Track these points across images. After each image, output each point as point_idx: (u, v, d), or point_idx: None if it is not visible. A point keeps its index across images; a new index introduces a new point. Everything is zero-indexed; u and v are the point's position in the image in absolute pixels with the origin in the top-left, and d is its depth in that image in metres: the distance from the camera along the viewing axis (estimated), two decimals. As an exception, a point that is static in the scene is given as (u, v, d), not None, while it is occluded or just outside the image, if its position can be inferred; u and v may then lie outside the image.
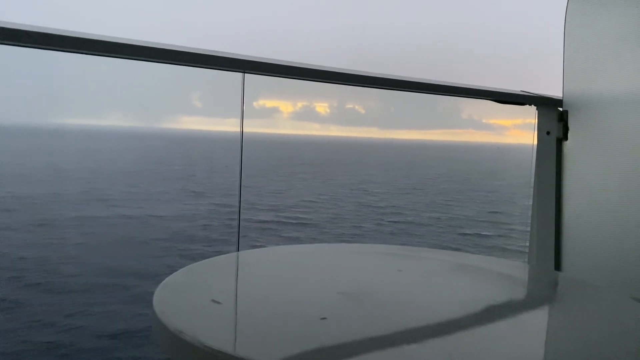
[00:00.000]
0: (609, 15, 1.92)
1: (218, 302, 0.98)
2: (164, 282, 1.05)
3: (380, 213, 28.44)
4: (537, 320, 1.07)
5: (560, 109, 2.07)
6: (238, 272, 1.28)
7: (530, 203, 2.13)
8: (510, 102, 2.06)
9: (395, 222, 26.10)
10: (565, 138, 2.05)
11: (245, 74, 1.42)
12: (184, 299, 1.01)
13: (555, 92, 2.14)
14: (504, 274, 1.29)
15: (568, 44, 2.05)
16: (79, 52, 1.15)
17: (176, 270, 1.11)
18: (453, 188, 41.74)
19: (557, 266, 2.05)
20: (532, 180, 2.10)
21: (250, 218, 23.65)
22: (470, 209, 31.11)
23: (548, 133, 2.07)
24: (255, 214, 25.11)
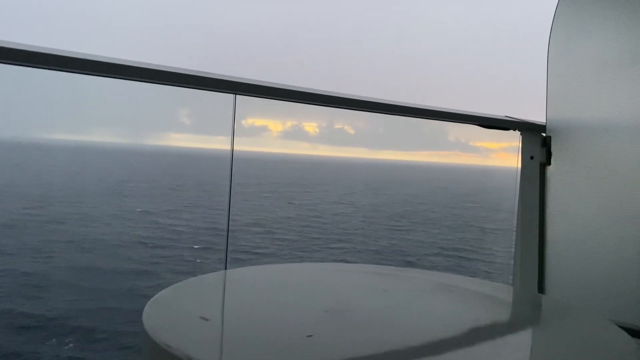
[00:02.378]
0: (590, 44, 2.00)
1: (206, 319, 1.00)
2: (153, 298, 1.06)
3: (327, 239, 28.02)
4: (519, 342, 1.10)
5: (544, 134, 2.13)
6: (226, 289, 1.29)
7: (515, 226, 2.18)
8: (494, 127, 2.12)
9: (342, 249, 25.66)
10: (549, 163, 2.11)
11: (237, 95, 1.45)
12: (172, 315, 1.03)
13: (540, 117, 2.20)
14: (488, 295, 1.32)
15: (551, 71, 2.13)
16: (70, 71, 1.17)
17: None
18: (420, 210, 41.78)
19: (541, 287, 2.09)
20: (517, 203, 2.15)
21: (180, 245, 23.00)
22: (428, 233, 30.94)
23: (532, 158, 2.13)
24: (191, 238, 24.70)
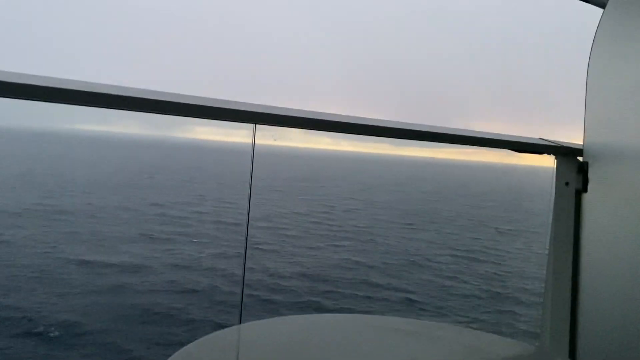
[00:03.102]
0: (634, 66, 1.87)
1: None
2: None
3: (333, 237, 27.54)
4: None
5: (580, 158, 2.01)
6: (240, 353, 1.21)
7: (546, 260, 2.06)
8: (528, 152, 2.01)
9: (347, 247, 25.16)
10: (585, 190, 1.98)
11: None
12: None
13: (576, 139, 2.08)
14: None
15: (590, 93, 2.01)
16: (81, 104, 1.11)
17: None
18: (435, 208, 41.35)
19: (573, 330, 1.96)
20: (549, 233, 2.03)
21: (181, 239, 23.05)
22: (440, 232, 30.40)
23: (567, 184, 2.01)
24: (195, 231, 24.73)
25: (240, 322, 1.30)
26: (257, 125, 1.43)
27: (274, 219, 30.55)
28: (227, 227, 26.19)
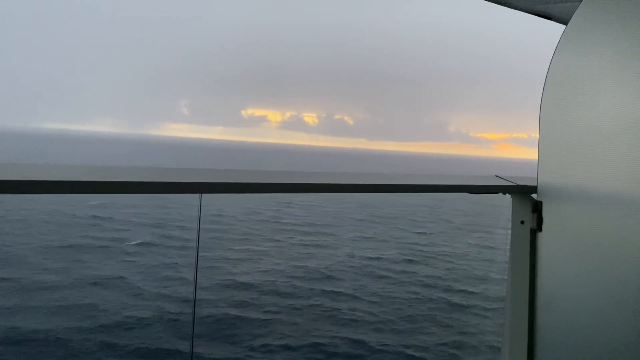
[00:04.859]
0: (586, 106, 1.93)
1: None
2: None
3: (290, 223, 27.69)
4: None
5: (535, 197, 2.09)
6: None
7: (505, 295, 2.14)
8: (483, 192, 2.08)
9: (302, 236, 25.25)
10: (540, 229, 2.06)
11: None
12: None
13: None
14: None
15: (543, 132, 2.07)
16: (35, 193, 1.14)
17: None
18: (397, 202, 41.47)
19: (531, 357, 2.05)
20: (508, 271, 2.11)
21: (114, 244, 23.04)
22: (398, 227, 30.23)
23: (522, 222, 2.08)
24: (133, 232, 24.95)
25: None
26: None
27: (231, 212, 30.64)
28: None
